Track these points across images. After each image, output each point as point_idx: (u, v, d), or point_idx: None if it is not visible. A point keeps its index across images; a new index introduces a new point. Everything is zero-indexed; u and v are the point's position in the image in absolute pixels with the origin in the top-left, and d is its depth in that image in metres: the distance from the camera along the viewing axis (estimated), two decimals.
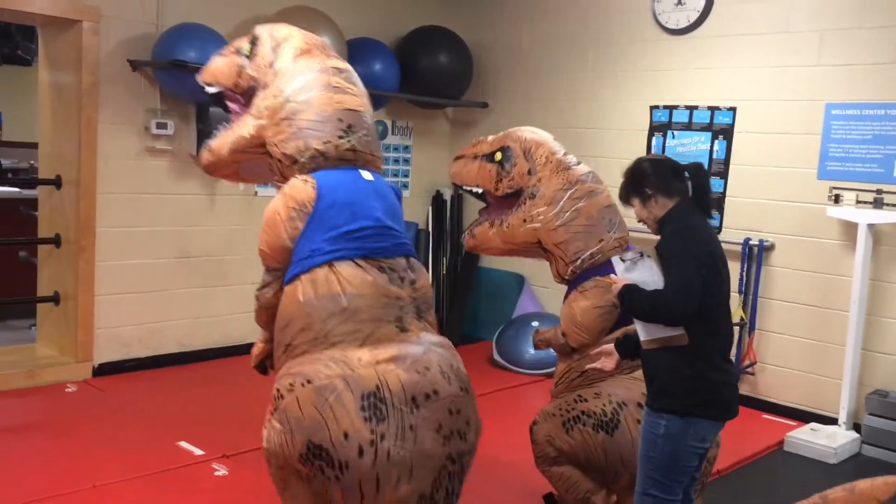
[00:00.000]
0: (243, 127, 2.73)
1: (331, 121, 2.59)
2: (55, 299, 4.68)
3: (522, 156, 3.13)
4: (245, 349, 5.11)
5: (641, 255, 2.44)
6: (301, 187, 2.50)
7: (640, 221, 2.60)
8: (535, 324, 5.48)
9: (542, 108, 5.89)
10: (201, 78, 3.02)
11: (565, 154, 3.21)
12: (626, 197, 2.58)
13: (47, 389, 4.34)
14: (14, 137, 9.76)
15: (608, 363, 2.67)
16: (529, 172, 3.10)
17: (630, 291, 2.40)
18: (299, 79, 2.63)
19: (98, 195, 4.55)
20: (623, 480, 2.86)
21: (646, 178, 2.51)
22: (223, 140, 2.85)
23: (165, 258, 4.90)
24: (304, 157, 2.57)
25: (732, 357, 4.87)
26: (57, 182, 4.63)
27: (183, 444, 3.68)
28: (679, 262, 2.34)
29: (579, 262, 3.05)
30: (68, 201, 4.59)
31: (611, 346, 2.68)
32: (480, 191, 3.26)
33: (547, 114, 5.85)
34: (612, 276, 2.54)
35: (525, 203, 3.11)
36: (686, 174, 2.51)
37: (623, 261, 2.48)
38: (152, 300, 4.83)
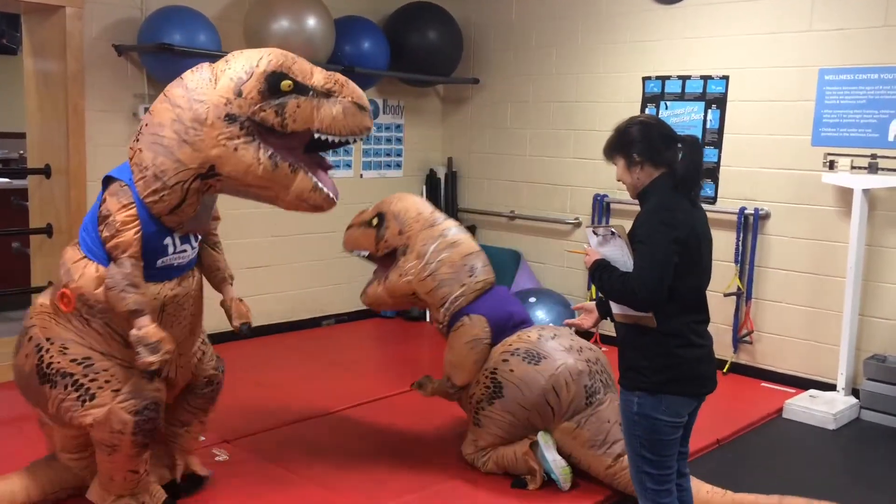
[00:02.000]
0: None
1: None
2: None
3: (394, 219, 3.55)
4: (235, 336, 5.10)
5: (613, 234, 2.34)
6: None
7: (619, 180, 2.51)
8: (532, 299, 5.48)
9: (532, 83, 5.85)
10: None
11: (432, 213, 3.60)
12: (610, 154, 2.49)
13: None
14: (2, 128, 9.68)
15: (587, 320, 2.64)
16: (400, 233, 3.51)
17: (601, 269, 2.35)
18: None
19: (88, 183, 4.51)
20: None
21: (636, 142, 2.39)
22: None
23: None
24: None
25: (730, 326, 4.90)
26: (46, 171, 4.59)
27: None
28: (652, 249, 2.26)
29: (447, 304, 3.41)
30: (58, 190, 4.55)
31: (592, 304, 2.65)
32: (367, 254, 3.68)
33: (538, 88, 5.82)
34: (587, 246, 2.50)
35: (399, 260, 3.51)
36: (679, 145, 2.42)
37: (595, 234, 2.41)
38: None
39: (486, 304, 3.43)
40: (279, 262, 5.50)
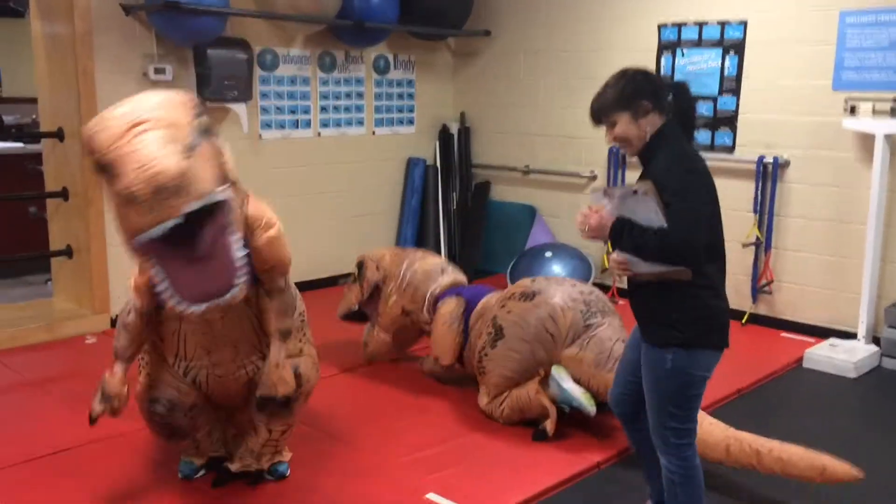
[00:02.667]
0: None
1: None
2: (68, 253, 4.69)
3: (370, 260, 4.03)
4: None
5: (635, 193, 2.17)
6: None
7: (616, 141, 2.33)
8: (548, 254, 5.46)
9: (545, 33, 5.74)
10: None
11: (403, 249, 4.16)
12: (607, 112, 2.31)
13: (68, 342, 4.38)
14: (15, 93, 9.67)
15: (592, 218, 2.28)
16: (377, 268, 3.98)
17: (626, 228, 2.20)
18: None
19: None
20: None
21: (641, 89, 2.27)
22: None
23: None
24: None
25: (748, 277, 4.86)
26: (59, 135, 4.58)
27: None
28: (690, 201, 2.15)
29: (427, 299, 3.80)
30: (72, 154, 4.55)
31: (606, 219, 2.25)
32: (357, 307, 4.06)
33: (550, 38, 5.71)
34: (590, 206, 2.30)
35: (383, 292, 3.95)
36: (672, 92, 2.33)
37: (607, 196, 2.24)
38: None
39: (459, 289, 3.80)
40: (293, 222, 5.47)
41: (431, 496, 2.77)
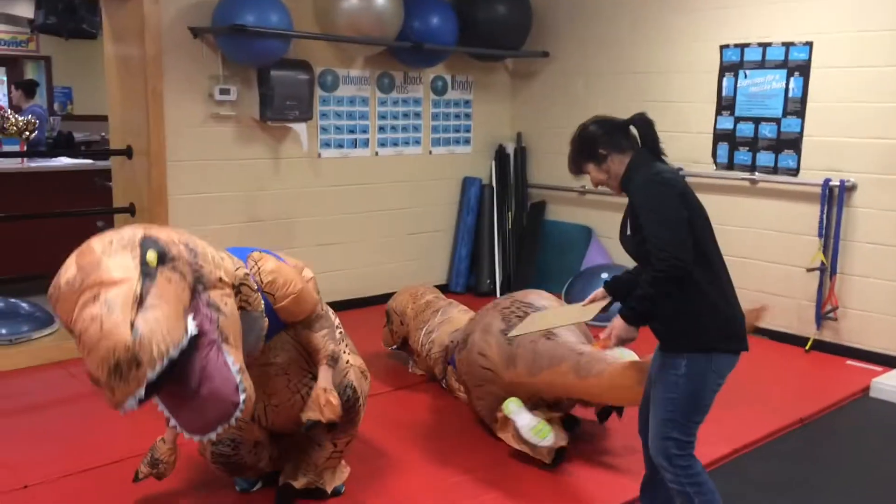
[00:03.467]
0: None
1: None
2: None
3: (395, 315, 4.29)
4: None
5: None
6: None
7: (597, 185, 2.53)
8: (604, 275, 5.40)
9: (604, 54, 5.72)
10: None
11: (423, 296, 4.29)
12: (578, 165, 2.53)
13: None
14: (85, 111, 10.03)
15: (612, 336, 2.42)
16: (402, 323, 4.23)
17: (634, 304, 2.32)
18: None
19: (168, 163, 4.64)
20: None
21: (595, 140, 2.46)
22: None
23: (235, 222, 4.99)
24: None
25: (812, 302, 4.73)
26: (128, 152, 4.73)
27: None
28: (659, 211, 2.27)
29: (443, 358, 3.94)
30: (140, 171, 4.70)
31: (598, 293, 2.69)
32: (393, 347, 4.41)
33: (610, 59, 5.69)
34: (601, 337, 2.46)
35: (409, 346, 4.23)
36: (630, 127, 2.48)
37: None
38: None
39: None
40: (350, 239, 5.56)
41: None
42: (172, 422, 2.08)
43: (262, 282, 2.43)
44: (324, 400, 2.53)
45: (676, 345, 2.36)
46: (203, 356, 2.02)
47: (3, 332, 4.38)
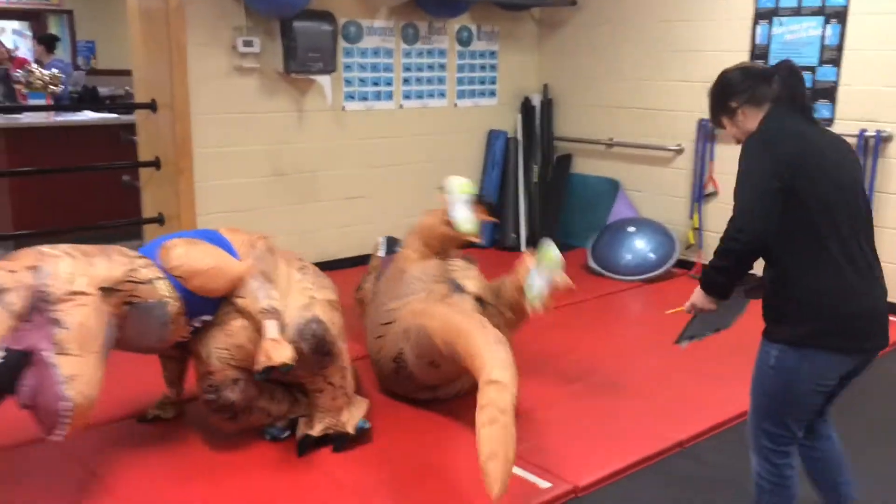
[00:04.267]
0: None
1: None
2: (160, 220, 4.85)
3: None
4: (339, 264, 5.22)
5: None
6: None
7: (738, 141, 2.24)
8: (631, 229, 5.35)
9: (633, 3, 5.57)
10: None
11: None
12: (715, 119, 2.31)
13: None
14: (109, 65, 10.02)
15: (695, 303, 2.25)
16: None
17: (704, 271, 2.18)
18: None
19: (192, 116, 4.62)
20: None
21: (729, 90, 2.23)
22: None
23: (260, 177, 4.98)
24: None
25: None
26: (152, 106, 4.72)
27: None
28: (748, 173, 2.05)
29: None
30: (164, 124, 4.69)
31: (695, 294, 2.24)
32: None
33: (638, 8, 5.54)
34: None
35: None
36: (776, 77, 2.19)
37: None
38: (249, 218, 4.92)
39: None
40: (374, 192, 5.54)
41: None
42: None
43: (169, 269, 2.71)
44: (268, 345, 2.63)
45: (769, 332, 2.15)
46: (35, 372, 2.34)
47: None
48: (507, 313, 3.25)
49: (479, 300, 3.23)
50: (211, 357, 2.78)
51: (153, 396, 3.20)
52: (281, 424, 2.96)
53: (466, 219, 3.19)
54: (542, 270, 3.14)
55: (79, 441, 2.91)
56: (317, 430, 2.88)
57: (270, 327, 2.69)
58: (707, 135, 5.22)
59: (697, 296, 2.21)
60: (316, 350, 2.75)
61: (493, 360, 2.58)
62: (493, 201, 3.35)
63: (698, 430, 3.10)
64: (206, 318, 2.81)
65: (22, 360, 2.34)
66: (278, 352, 2.62)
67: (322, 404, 2.89)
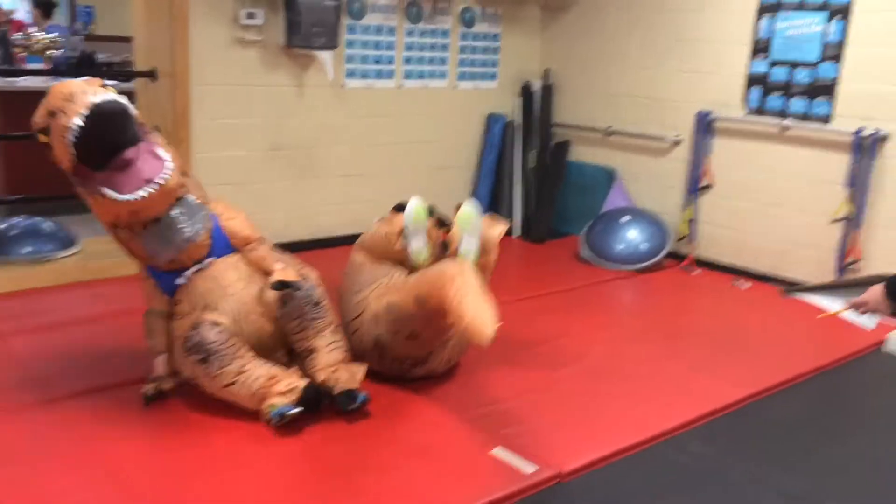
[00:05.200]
0: None
1: None
2: None
3: None
4: (334, 241, 5.23)
5: None
6: None
7: None
8: (624, 218, 5.37)
9: None
10: None
11: None
12: None
13: None
14: (108, 31, 9.92)
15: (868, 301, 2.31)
16: None
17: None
18: None
19: (192, 87, 4.60)
20: None
21: None
22: None
23: (258, 150, 4.97)
24: None
25: (835, 253, 4.69)
26: (152, 74, 4.69)
27: None
28: None
29: None
30: (164, 94, 4.66)
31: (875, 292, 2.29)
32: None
33: None
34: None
35: None
36: None
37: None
38: (247, 192, 4.92)
39: None
40: (372, 171, 5.53)
41: (497, 451, 2.79)
42: (104, 192, 2.74)
43: (212, 202, 3.11)
44: (281, 272, 2.99)
45: None
46: (146, 149, 2.82)
47: (29, 250, 4.43)
48: None
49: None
50: (199, 304, 2.94)
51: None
52: (290, 400, 2.85)
53: (420, 250, 3.20)
54: (470, 232, 3.23)
55: (65, 409, 2.94)
56: (321, 377, 2.93)
57: (282, 270, 3.02)
58: (706, 127, 5.23)
59: (875, 295, 2.25)
60: (307, 301, 2.98)
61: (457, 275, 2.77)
62: (445, 219, 3.29)
63: (685, 419, 3.13)
64: (211, 259, 3.02)
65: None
66: (289, 273, 2.99)
67: (319, 362, 2.97)
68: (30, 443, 2.71)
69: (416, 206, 3.24)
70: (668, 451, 2.96)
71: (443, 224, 3.30)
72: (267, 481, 2.57)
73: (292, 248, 5.16)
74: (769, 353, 3.87)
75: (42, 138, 2.76)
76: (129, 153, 2.78)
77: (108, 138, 2.75)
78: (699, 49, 5.23)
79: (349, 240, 5.19)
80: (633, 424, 3.07)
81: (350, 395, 2.90)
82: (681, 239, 5.40)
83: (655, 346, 3.90)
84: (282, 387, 2.86)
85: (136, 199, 2.73)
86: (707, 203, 5.33)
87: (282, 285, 2.94)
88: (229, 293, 2.96)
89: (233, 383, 2.84)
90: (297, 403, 2.82)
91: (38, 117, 2.76)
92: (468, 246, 3.23)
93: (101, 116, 2.67)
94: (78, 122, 2.62)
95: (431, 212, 3.32)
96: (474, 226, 3.26)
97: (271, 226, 5.04)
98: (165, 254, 2.92)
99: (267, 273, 3.03)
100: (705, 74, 5.24)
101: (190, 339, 2.85)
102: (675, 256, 5.39)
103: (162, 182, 2.76)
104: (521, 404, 3.19)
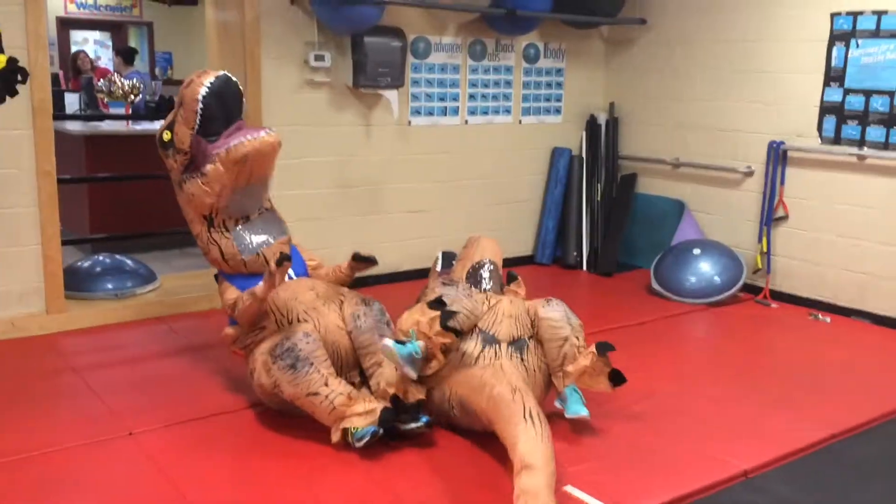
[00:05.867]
0: None
1: None
2: None
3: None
4: (399, 276, 5.28)
5: None
6: None
7: None
8: (696, 251, 5.26)
9: (704, 22, 5.51)
10: None
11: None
12: None
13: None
14: (185, 76, 10.32)
15: None
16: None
17: None
18: None
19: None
20: None
21: None
22: None
23: (326, 188, 5.07)
24: None
25: None
26: None
27: None
28: None
29: None
30: None
31: None
32: None
33: (710, 27, 5.47)
34: None
35: None
36: None
37: None
38: (314, 228, 5.00)
39: None
40: (437, 207, 5.58)
41: (569, 489, 2.75)
42: (222, 143, 3.20)
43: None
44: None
45: None
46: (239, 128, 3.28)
47: (110, 287, 4.61)
48: None
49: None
50: (281, 316, 3.21)
51: (212, 397, 3.28)
52: (370, 422, 2.89)
53: (411, 374, 2.98)
54: (404, 362, 2.97)
55: (146, 441, 3.02)
56: (393, 390, 3.00)
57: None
58: (779, 157, 5.11)
59: None
60: (380, 317, 3.24)
61: (524, 442, 2.60)
62: (456, 328, 3.04)
63: (762, 460, 3.02)
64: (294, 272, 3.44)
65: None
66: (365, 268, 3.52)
67: (387, 376, 3.06)
68: (111, 474, 2.79)
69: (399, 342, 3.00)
70: (745, 494, 2.85)
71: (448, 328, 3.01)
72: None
73: (357, 283, 5.25)
74: (851, 390, 3.71)
75: (166, 135, 3.29)
76: (239, 123, 3.27)
77: (227, 106, 3.22)
78: (770, 79, 5.13)
79: (413, 275, 5.27)
80: (706, 464, 2.98)
81: (419, 406, 2.99)
82: (755, 272, 5.25)
83: (729, 383, 3.79)
84: (359, 408, 2.94)
85: (253, 139, 3.15)
86: (782, 234, 5.18)
87: (361, 257, 3.45)
88: (312, 307, 3.20)
89: (316, 393, 2.92)
90: (378, 425, 2.89)
91: (167, 119, 3.33)
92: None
93: (224, 84, 3.23)
94: (207, 85, 3.16)
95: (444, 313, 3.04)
96: (403, 360, 2.96)
97: (337, 261, 5.09)
98: (252, 248, 3.32)
99: (340, 278, 3.54)
100: (776, 105, 5.13)
101: (281, 345, 2.98)
102: (750, 290, 5.25)
103: (272, 133, 3.22)
104: (589, 441, 3.13)
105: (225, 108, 3.23)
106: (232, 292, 3.29)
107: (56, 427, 3.11)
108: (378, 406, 2.95)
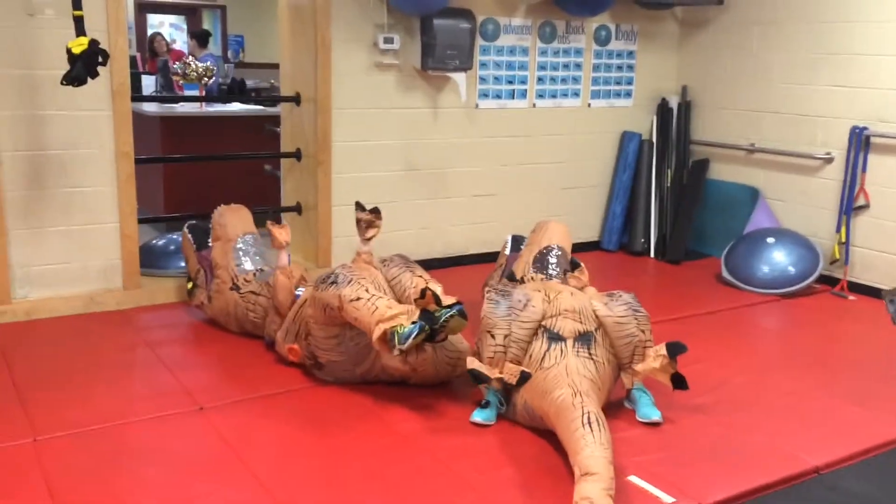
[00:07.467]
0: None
1: None
2: (297, 209, 5.06)
3: None
4: (465, 259, 5.28)
5: None
6: None
7: None
8: (770, 239, 5.11)
9: (783, 3, 5.30)
10: None
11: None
12: None
13: None
14: (256, 59, 10.53)
15: None
16: None
17: None
18: None
19: (333, 111, 4.79)
20: None
21: None
22: None
23: (393, 170, 5.09)
24: None
25: None
26: (296, 99, 4.92)
27: None
28: None
29: None
30: (307, 118, 4.88)
31: None
32: None
33: (789, 8, 5.27)
34: None
35: None
36: None
37: None
38: (382, 211, 5.02)
39: None
40: (504, 191, 5.55)
41: (633, 479, 2.71)
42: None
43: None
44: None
45: None
46: None
47: (183, 265, 4.73)
48: None
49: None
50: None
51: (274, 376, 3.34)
52: (413, 320, 2.93)
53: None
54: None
55: (215, 416, 3.10)
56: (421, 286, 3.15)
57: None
58: (861, 143, 4.90)
59: None
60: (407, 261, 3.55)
61: (584, 449, 2.58)
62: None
63: (838, 456, 2.91)
64: None
65: None
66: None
67: (410, 282, 3.37)
68: (181, 448, 2.88)
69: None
70: (818, 490, 2.77)
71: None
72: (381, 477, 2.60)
73: (424, 265, 5.27)
74: None
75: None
76: None
77: None
78: (856, 62, 4.91)
79: (480, 258, 5.26)
80: (777, 459, 2.90)
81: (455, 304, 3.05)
82: (832, 262, 5.07)
83: (803, 376, 3.67)
84: (401, 309, 3.01)
85: None
86: (862, 224, 4.98)
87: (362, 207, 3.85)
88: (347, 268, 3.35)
89: (358, 298, 3.05)
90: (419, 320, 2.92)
91: None
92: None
93: None
94: None
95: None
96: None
97: (404, 242, 5.16)
98: None
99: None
100: (859, 89, 4.92)
101: (324, 276, 3.24)
102: (827, 281, 5.07)
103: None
104: (655, 431, 3.08)
105: None
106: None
107: (130, 400, 3.22)
108: (417, 310, 3.01)
